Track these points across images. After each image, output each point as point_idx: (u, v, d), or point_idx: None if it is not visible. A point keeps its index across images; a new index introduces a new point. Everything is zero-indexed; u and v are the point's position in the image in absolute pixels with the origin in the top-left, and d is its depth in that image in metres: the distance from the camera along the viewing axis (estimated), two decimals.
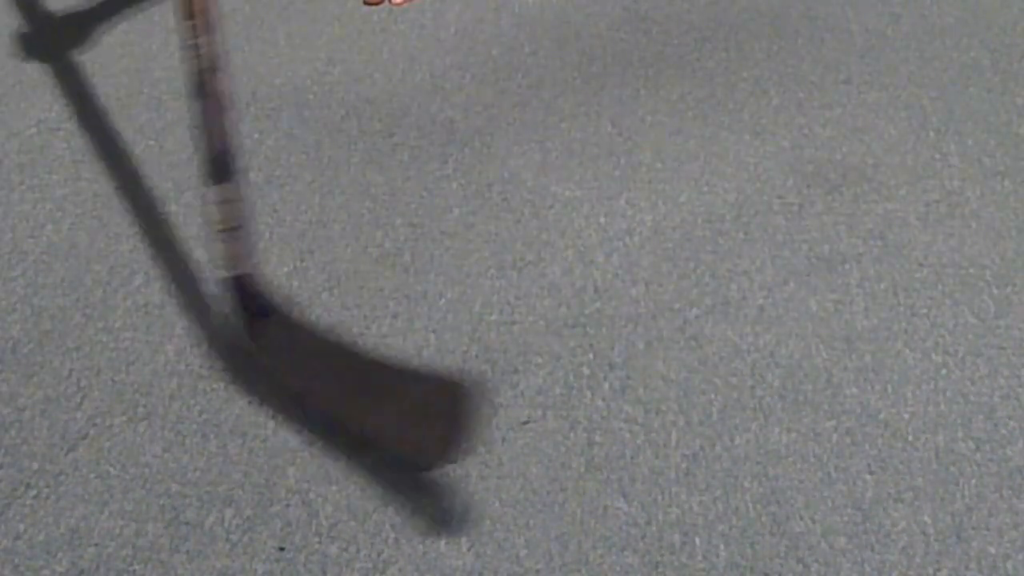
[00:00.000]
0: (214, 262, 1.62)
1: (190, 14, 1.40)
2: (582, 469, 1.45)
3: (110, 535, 1.39)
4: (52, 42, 2.32)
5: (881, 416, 1.51)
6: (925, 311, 1.67)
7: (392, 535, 1.38)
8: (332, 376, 1.42)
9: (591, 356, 1.61)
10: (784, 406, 1.53)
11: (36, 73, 2.25)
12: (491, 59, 2.26)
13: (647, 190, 1.91)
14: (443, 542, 1.37)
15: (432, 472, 1.35)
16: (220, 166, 1.47)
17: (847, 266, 1.75)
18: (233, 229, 1.48)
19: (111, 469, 1.47)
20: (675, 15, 2.06)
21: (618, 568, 1.34)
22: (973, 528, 1.37)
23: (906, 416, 1.51)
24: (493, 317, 1.67)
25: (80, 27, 2.33)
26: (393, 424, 1.34)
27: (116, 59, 2.28)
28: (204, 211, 1.70)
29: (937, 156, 1.97)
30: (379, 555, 1.36)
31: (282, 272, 1.76)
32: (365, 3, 2.19)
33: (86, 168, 1.99)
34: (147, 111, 2.13)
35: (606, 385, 1.56)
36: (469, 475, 1.45)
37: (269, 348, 1.47)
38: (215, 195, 1.48)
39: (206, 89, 1.44)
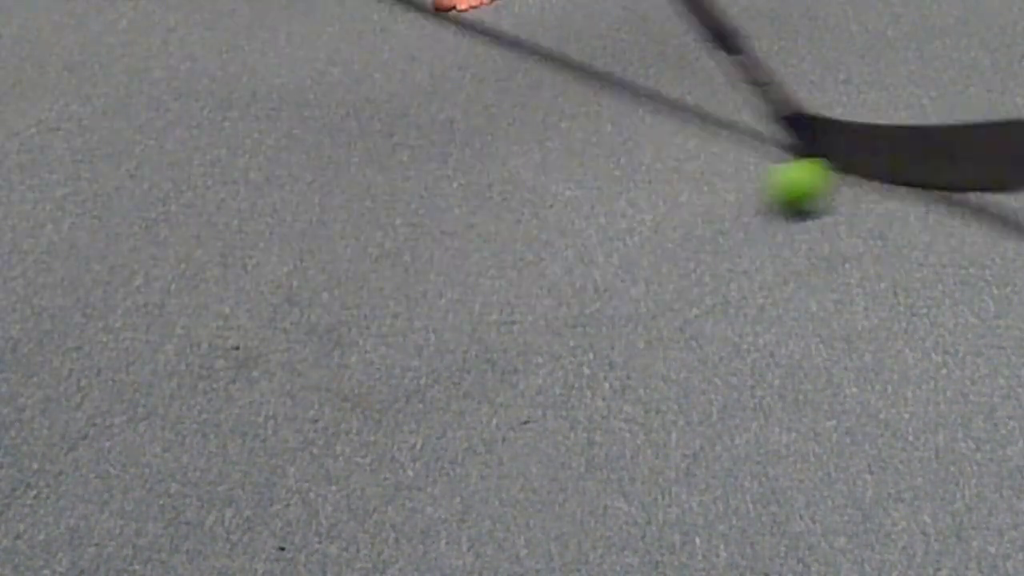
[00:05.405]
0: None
1: None
2: (582, 469, 1.45)
3: (110, 535, 1.38)
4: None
5: (881, 416, 1.51)
6: (925, 311, 1.67)
7: (392, 535, 1.38)
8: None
9: (591, 356, 1.61)
10: (784, 406, 1.53)
11: (36, 73, 2.25)
12: (491, 59, 2.26)
13: (647, 190, 1.91)
14: (443, 542, 1.37)
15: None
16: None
17: (847, 266, 1.75)
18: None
19: (111, 469, 1.47)
20: (675, 15, 2.06)
21: (618, 568, 1.34)
22: (973, 528, 1.37)
23: (906, 416, 1.51)
24: (493, 317, 1.67)
25: None
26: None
27: (116, 59, 2.28)
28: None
29: None
30: (379, 555, 1.36)
31: (282, 272, 1.76)
32: (436, 9, 2.24)
33: (86, 168, 1.99)
34: (147, 111, 2.13)
35: (606, 385, 1.56)
36: (469, 475, 1.45)
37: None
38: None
39: None
